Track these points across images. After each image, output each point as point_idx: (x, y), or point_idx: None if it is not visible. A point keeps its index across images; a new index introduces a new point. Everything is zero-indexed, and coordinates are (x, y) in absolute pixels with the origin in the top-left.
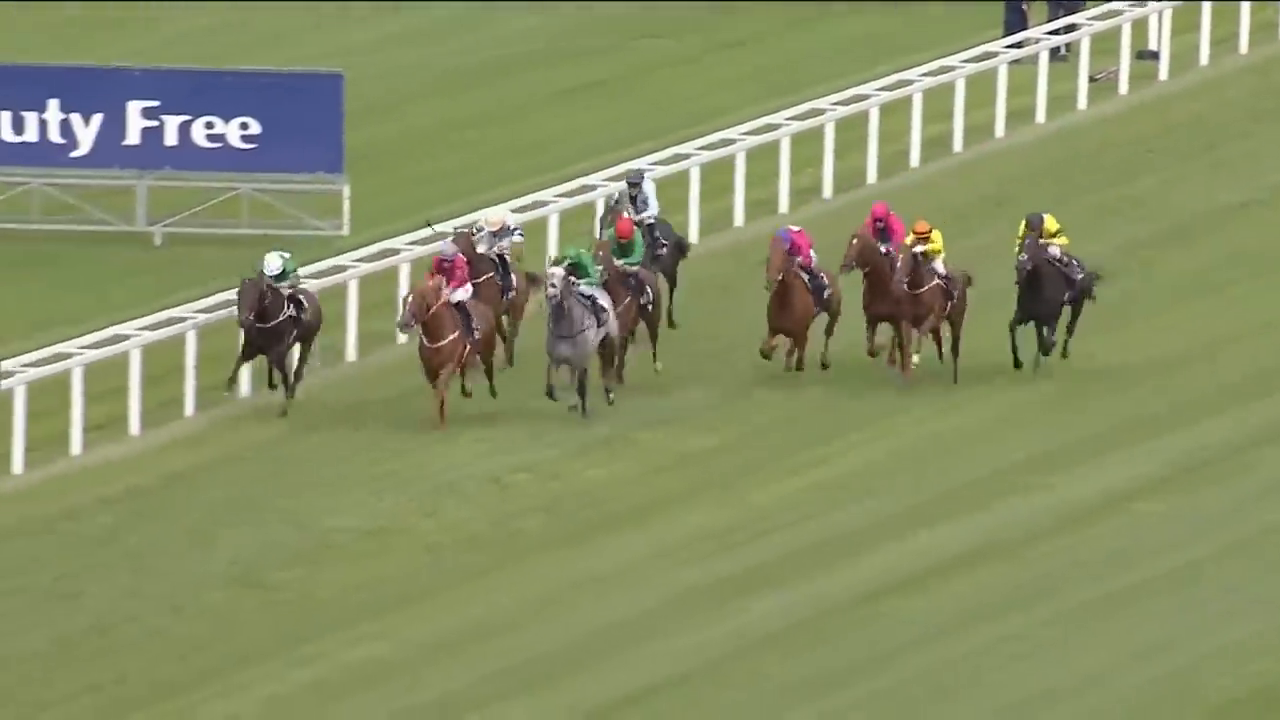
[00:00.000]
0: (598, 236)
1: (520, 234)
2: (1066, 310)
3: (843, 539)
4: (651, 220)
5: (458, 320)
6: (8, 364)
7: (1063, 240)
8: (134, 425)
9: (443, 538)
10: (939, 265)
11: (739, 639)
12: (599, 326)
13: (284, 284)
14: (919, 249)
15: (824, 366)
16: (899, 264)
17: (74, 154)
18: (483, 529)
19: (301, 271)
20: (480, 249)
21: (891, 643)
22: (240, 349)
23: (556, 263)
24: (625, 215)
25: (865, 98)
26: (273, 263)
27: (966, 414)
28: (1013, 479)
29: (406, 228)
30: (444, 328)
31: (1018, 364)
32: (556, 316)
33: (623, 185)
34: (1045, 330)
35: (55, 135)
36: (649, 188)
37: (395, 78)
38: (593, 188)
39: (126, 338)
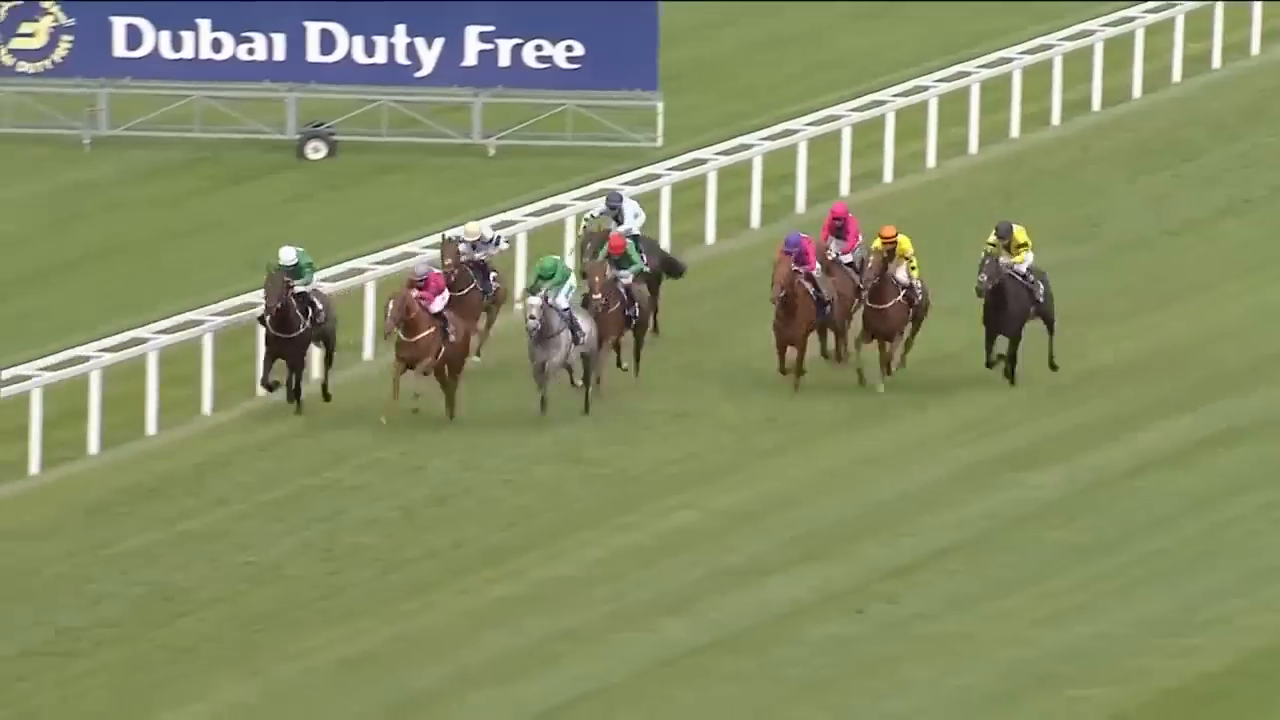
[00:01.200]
0: (580, 257)
1: (505, 243)
2: (1040, 325)
3: (1110, 421)
4: (634, 235)
5: (434, 323)
6: (361, 262)
7: (1020, 257)
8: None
9: (742, 420)
10: (902, 274)
11: (1017, 508)
12: (575, 343)
13: (300, 282)
14: (897, 270)
15: (833, 359)
16: (865, 276)
17: (418, 74)
18: (777, 412)
19: (620, 182)
20: (463, 258)
21: (1159, 512)
22: (264, 351)
23: (531, 291)
24: (613, 231)
25: None
26: (287, 254)
27: None
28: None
29: (714, 139)
30: (420, 325)
31: (990, 363)
32: (536, 337)
33: (601, 205)
34: (1011, 344)
35: (401, 57)
36: (628, 206)
37: (704, 4)
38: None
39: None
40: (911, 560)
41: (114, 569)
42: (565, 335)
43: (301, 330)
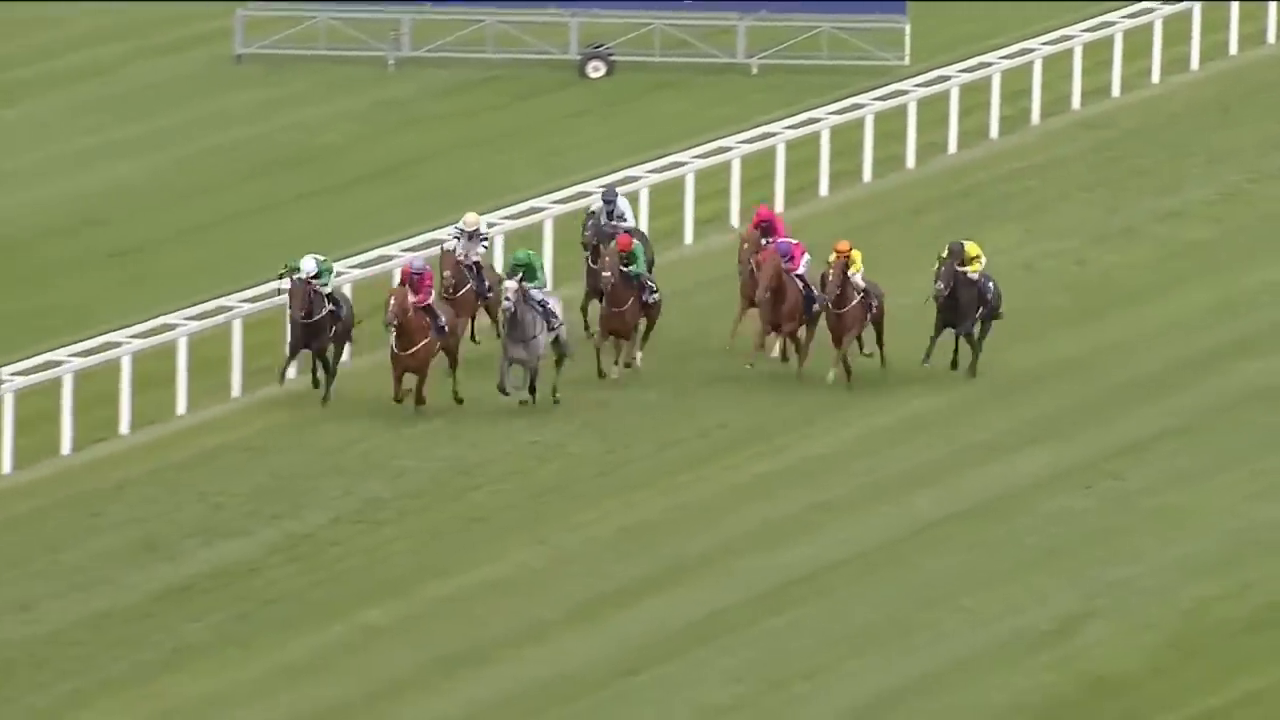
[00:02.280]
0: (581, 238)
1: (486, 242)
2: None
3: None
4: (629, 227)
5: (427, 326)
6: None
7: (974, 268)
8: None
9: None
10: (859, 279)
11: (1231, 395)
12: (549, 331)
13: (321, 283)
14: (855, 275)
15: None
16: (828, 286)
17: None
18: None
19: (871, 98)
20: (459, 255)
21: None
22: (288, 344)
23: (510, 275)
24: (624, 230)
25: None
26: (308, 264)
27: None
28: None
29: (959, 58)
30: (414, 334)
31: (926, 360)
32: (511, 324)
33: (598, 201)
34: (963, 336)
35: None
36: (623, 203)
37: None
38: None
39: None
40: (1135, 441)
41: (415, 446)
42: (541, 337)
43: (323, 314)
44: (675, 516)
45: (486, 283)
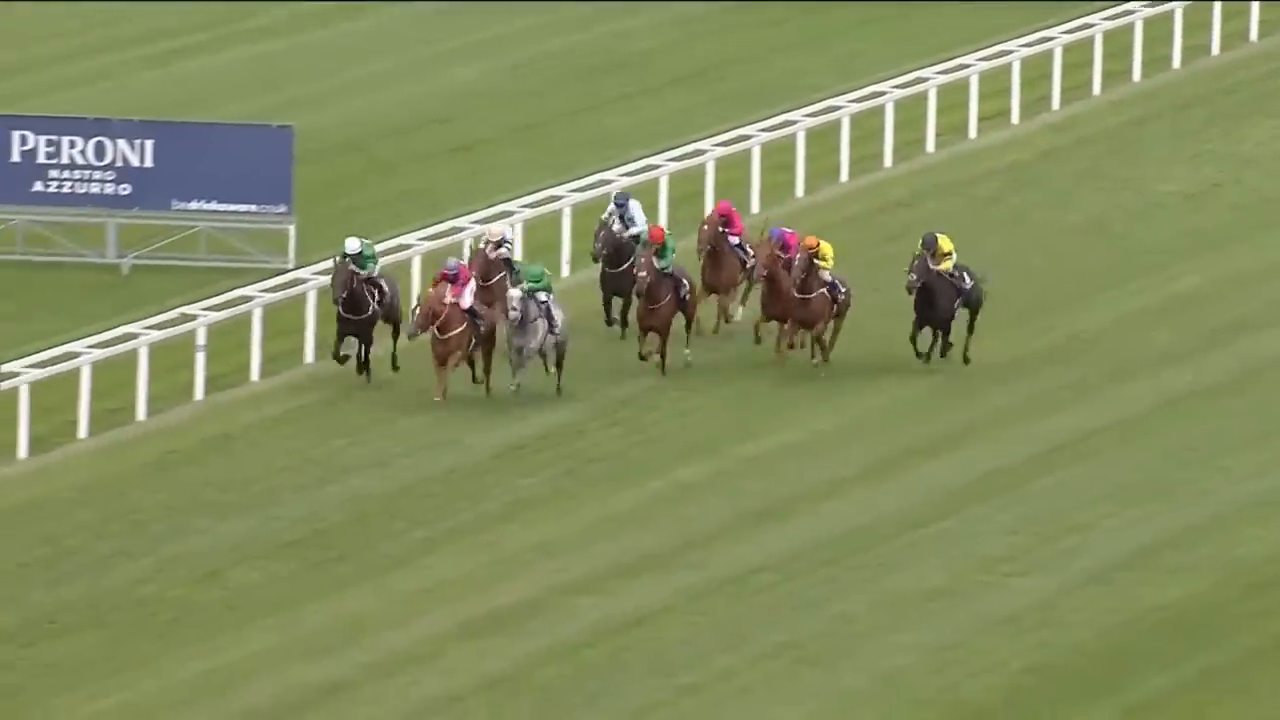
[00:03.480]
0: (593, 250)
1: (510, 244)
2: (965, 316)
3: None
4: (639, 233)
5: (465, 317)
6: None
7: (946, 265)
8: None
9: (1249, 198)
10: (826, 274)
11: None
12: (550, 333)
13: (366, 269)
14: (818, 263)
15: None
16: (793, 273)
17: None
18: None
19: None
20: (490, 256)
21: None
22: (338, 329)
23: (515, 284)
24: (658, 226)
25: None
26: (351, 244)
27: None
28: None
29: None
30: (452, 322)
31: (919, 354)
32: (517, 327)
33: (611, 205)
34: (941, 334)
35: None
36: (633, 205)
37: None
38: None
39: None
40: None
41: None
42: (541, 323)
43: (369, 312)
44: (955, 389)
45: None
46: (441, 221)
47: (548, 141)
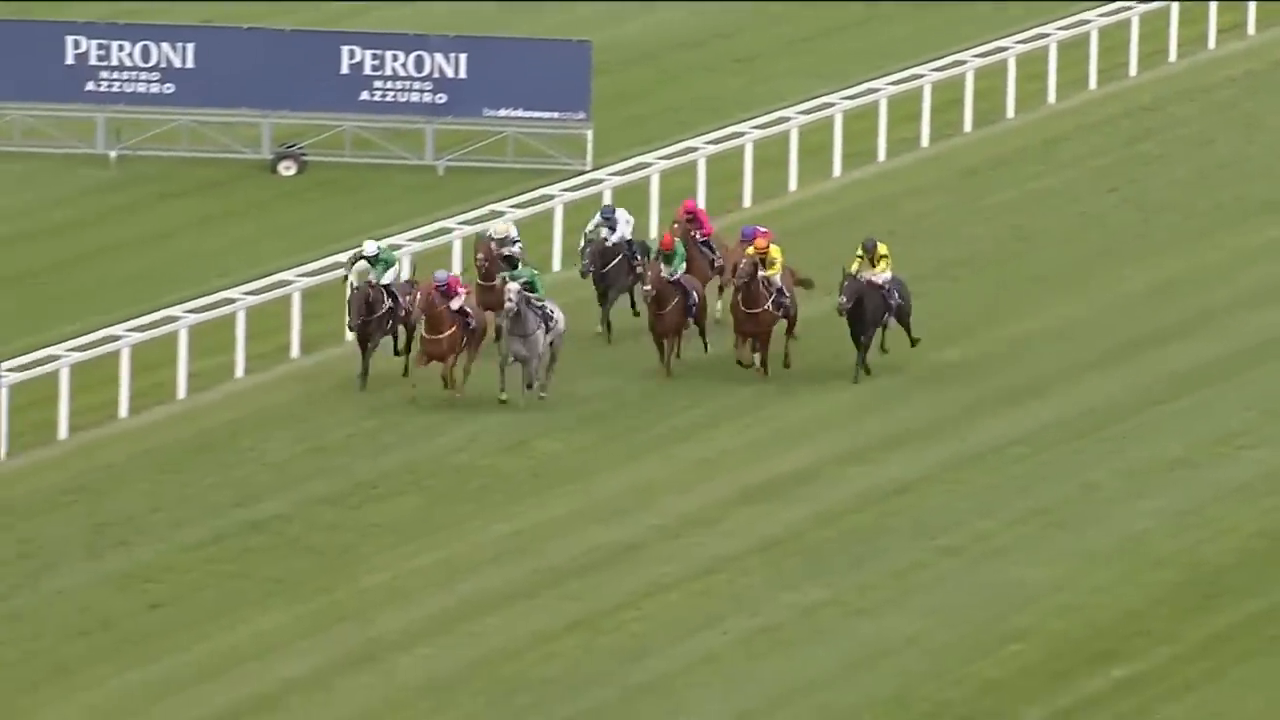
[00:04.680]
0: (582, 262)
1: (520, 245)
2: (895, 325)
3: None
4: (622, 240)
5: (456, 320)
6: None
7: (881, 267)
8: None
9: None
10: (776, 279)
11: None
12: (547, 333)
13: (378, 273)
14: (762, 273)
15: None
16: (735, 279)
17: None
18: None
19: None
20: (495, 253)
21: None
22: (359, 345)
23: (514, 278)
24: (668, 232)
25: None
26: (369, 246)
27: None
28: None
29: None
30: (444, 323)
31: (865, 372)
32: (513, 321)
33: (597, 217)
34: (863, 340)
35: None
36: (620, 215)
37: None
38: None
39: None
40: None
41: (981, 218)
42: (540, 335)
43: (377, 315)
44: (1199, 275)
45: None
46: (723, 126)
47: (821, 54)
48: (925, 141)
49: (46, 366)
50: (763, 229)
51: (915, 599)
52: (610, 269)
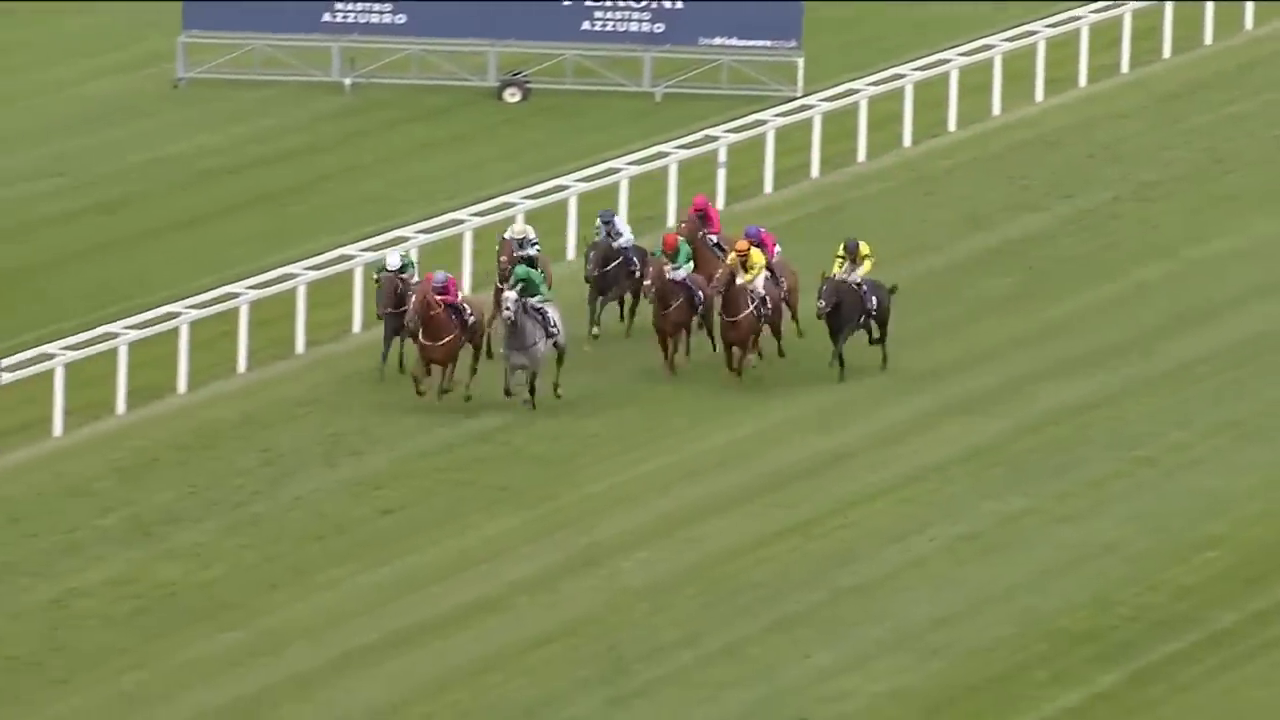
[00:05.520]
0: (587, 267)
1: (538, 246)
2: (873, 326)
3: None
4: (628, 245)
5: (453, 323)
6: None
7: (867, 267)
8: None
9: None
10: (758, 285)
11: None
12: (548, 339)
13: (407, 274)
14: (741, 278)
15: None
16: (714, 285)
17: None
18: None
19: None
20: (515, 254)
21: None
22: (385, 333)
23: (510, 287)
24: (670, 233)
25: None
26: (392, 259)
27: None
28: None
29: None
30: (443, 329)
31: (839, 363)
32: (511, 331)
33: (597, 223)
34: (840, 340)
35: None
36: (619, 220)
37: None
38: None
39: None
40: None
41: (1179, 141)
42: (541, 344)
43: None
44: None
45: (545, 274)
46: (931, 53)
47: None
48: (1125, 67)
49: (285, 284)
50: (765, 230)
51: (1113, 507)
52: (611, 270)
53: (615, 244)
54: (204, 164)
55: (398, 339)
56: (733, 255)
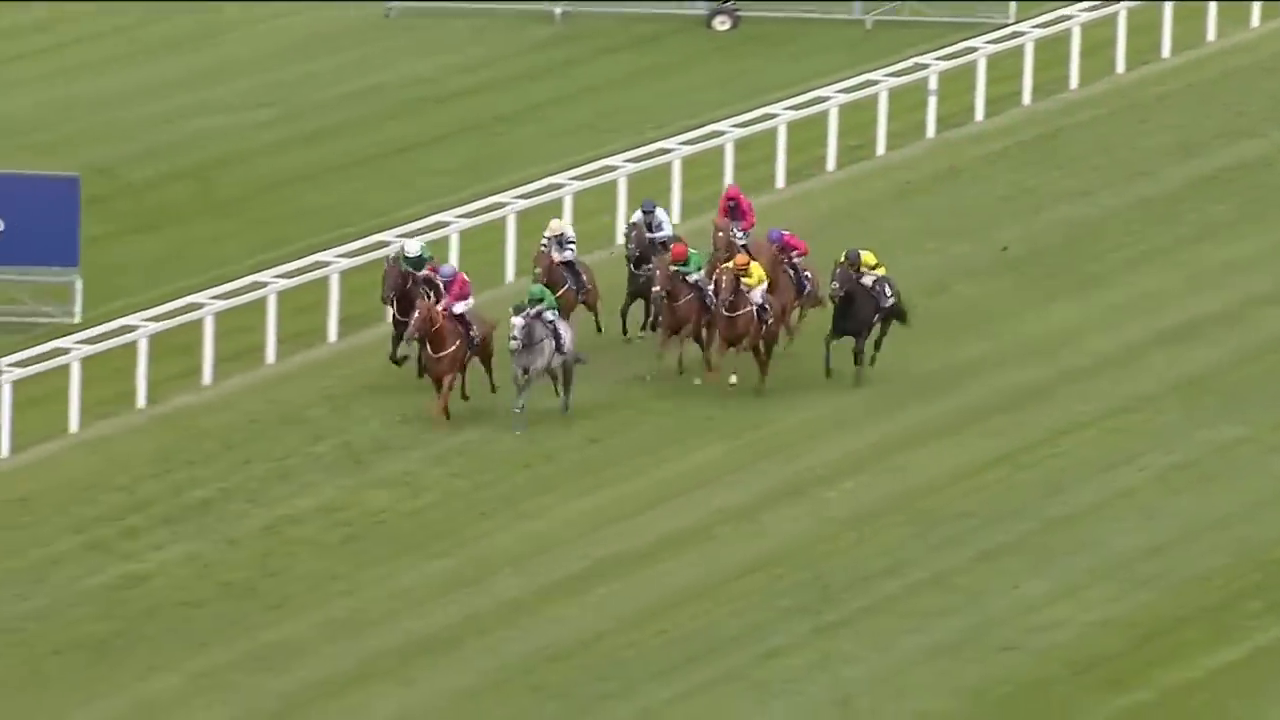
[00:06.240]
0: (625, 250)
1: (574, 244)
2: (876, 327)
3: None
4: (665, 239)
5: (458, 331)
6: None
7: (880, 270)
8: None
9: None
10: (757, 295)
11: None
12: (557, 352)
13: (421, 269)
14: (754, 291)
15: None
16: (720, 290)
17: None
18: None
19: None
20: (555, 257)
21: None
22: (392, 330)
23: (517, 311)
24: (680, 244)
25: None
26: (412, 247)
27: None
28: None
29: None
30: (445, 340)
31: (828, 373)
32: (521, 341)
33: (638, 214)
34: (857, 343)
35: None
36: (661, 214)
37: None
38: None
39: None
40: None
41: None
42: (548, 343)
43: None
44: None
45: (584, 278)
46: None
47: None
48: None
49: (494, 213)
50: (789, 232)
51: None
52: (644, 274)
53: (656, 236)
54: (413, 93)
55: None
56: (729, 265)
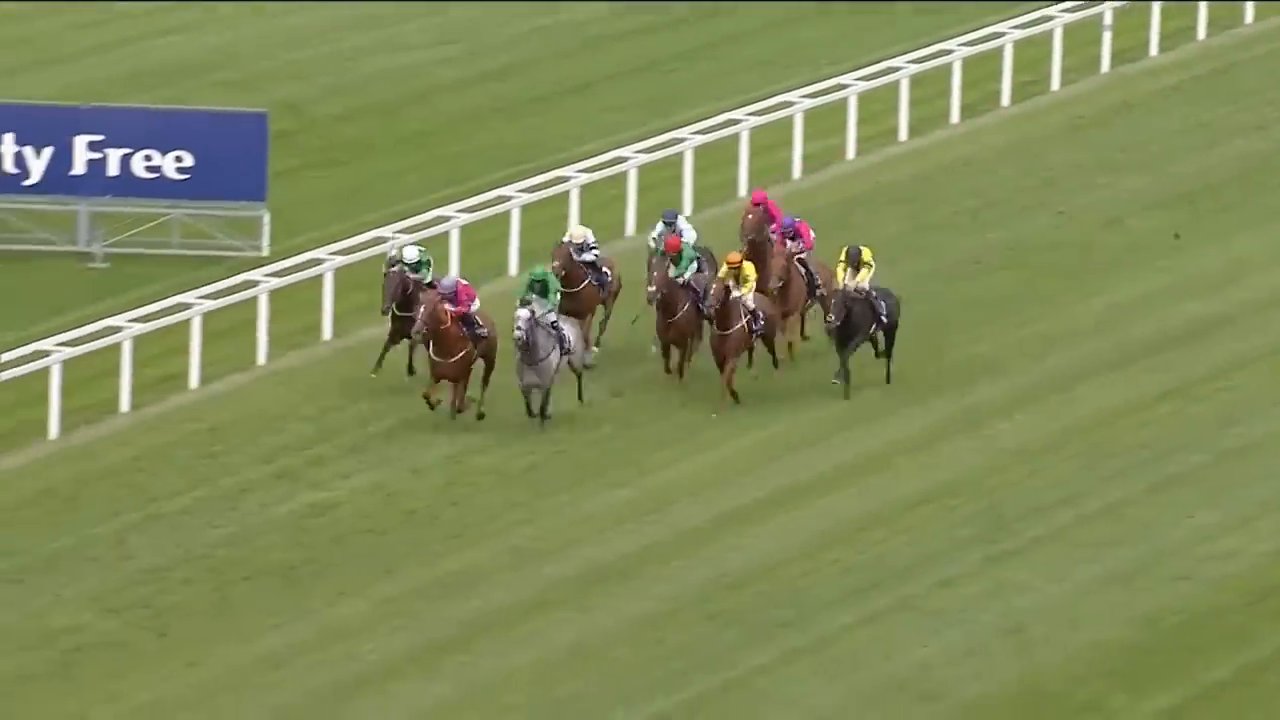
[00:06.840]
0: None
1: (597, 250)
2: (880, 337)
3: None
4: (692, 241)
5: (464, 336)
6: None
7: (863, 275)
8: None
9: None
10: (749, 300)
11: None
12: (561, 355)
13: (420, 275)
14: (736, 293)
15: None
16: (708, 302)
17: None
18: None
19: None
20: (576, 258)
21: None
22: (388, 334)
23: (523, 304)
24: (674, 236)
25: None
26: (410, 253)
27: None
28: None
29: None
30: (454, 345)
31: (837, 377)
32: (523, 349)
33: (659, 225)
34: (847, 348)
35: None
36: (682, 222)
37: None
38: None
39: None
40: None
41: None
42: (554, 357)
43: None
44: None
45: (609, 274)
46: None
47: None
48: None
49: (672, 149)
50: (801, 220)
51: None
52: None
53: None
54: (591, 31)
55: (396, 344)
56: (725, 269)
